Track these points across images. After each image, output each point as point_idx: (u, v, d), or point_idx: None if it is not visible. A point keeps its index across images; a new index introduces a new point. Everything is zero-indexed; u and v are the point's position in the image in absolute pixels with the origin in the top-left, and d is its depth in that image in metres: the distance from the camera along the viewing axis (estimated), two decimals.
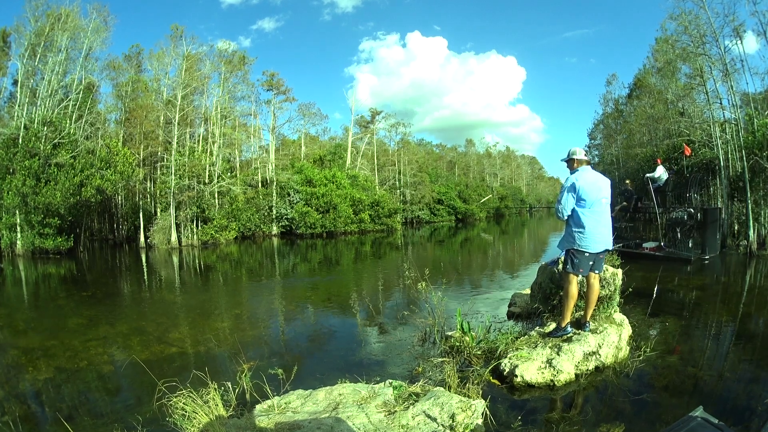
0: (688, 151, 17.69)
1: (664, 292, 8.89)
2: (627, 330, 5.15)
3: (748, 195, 15.96)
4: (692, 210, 12.90)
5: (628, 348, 4.89)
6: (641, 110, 34.30)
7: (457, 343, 4.89)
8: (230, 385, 3.58)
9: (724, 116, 19.73)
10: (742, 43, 18.65)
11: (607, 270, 5.56)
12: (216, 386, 3.42)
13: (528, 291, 6.83)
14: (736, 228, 18.06)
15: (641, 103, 34.74)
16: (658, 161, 15.31)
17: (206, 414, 3.17)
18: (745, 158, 16.36)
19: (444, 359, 4.45)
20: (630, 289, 5.86)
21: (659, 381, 4.34)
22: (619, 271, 5.61)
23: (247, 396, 3.68)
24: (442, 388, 3.60)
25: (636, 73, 38.52)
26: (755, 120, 17.58)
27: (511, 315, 6.84)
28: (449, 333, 5.29)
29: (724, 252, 15.84)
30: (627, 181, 16.14)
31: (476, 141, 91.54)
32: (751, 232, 15.42)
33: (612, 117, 45.56)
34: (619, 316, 5.40)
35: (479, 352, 4.73)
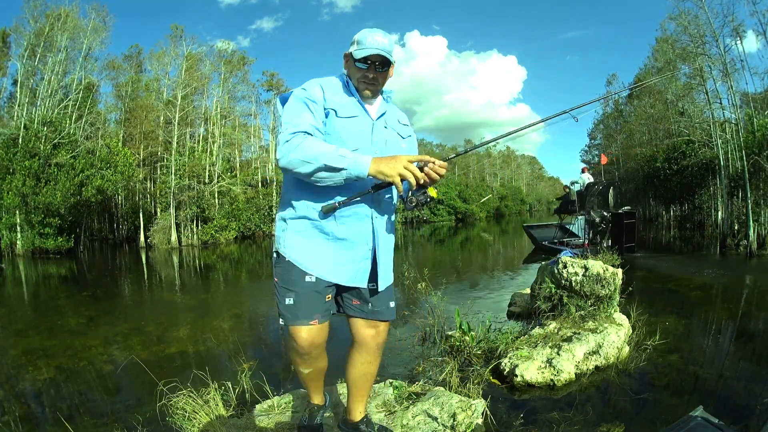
0: (604, 160, 18.11)
1: (666, 290, 8.92)
2: (627, 329, 5.13)
3: (748, 195, 15.98)
4: (605, 213, 13.36)
5: (629, 347, 4.88)
6: (641, 110, 34.47)
7: (457, 343, 4.88)
8: (230, 385, 3.57)
9: (724, 116, 19.75)
10: (741, 43, 18.69)
11: (607, 270, 5.50)
12: (216, 386, 3.41)
13: (528, 290, 6.80)
14: (736, 228, 18.07)
15: (641, 103, 34.92)
16: (584, 169, 15.65)
17: (207, 414, 3.17)
18: (745, 158, 16.37)
19: (444, 359, 4.46)
20: (630, 289, 5.87)
21: (660, 380, 4.33)
22: (619, 271, 5.56)
23: (248, 396, 3.68)
24: (442, 388, 3.58)
25: (636, 73, 38.71)
26: (755, 120, 17.66)
27: (511, 315, 6.85)
28: (449, 333, 5.28)
29: (723, 251, 15.88)
30: (564, 186, 16.56)
31: (476, 141, 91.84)
32: (750, 232, 15.43)
33: (612, 117, 45.96)
34: (619, 316, 5.39)
35: (479, 352, 4.72)
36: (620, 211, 12.78)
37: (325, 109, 2.17)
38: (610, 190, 14.04)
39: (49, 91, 25.53)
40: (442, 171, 2.10)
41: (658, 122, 31.78)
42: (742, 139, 16.96)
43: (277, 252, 2.27)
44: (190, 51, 31.54)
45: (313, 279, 2.19)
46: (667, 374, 4.45)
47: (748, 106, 19.50)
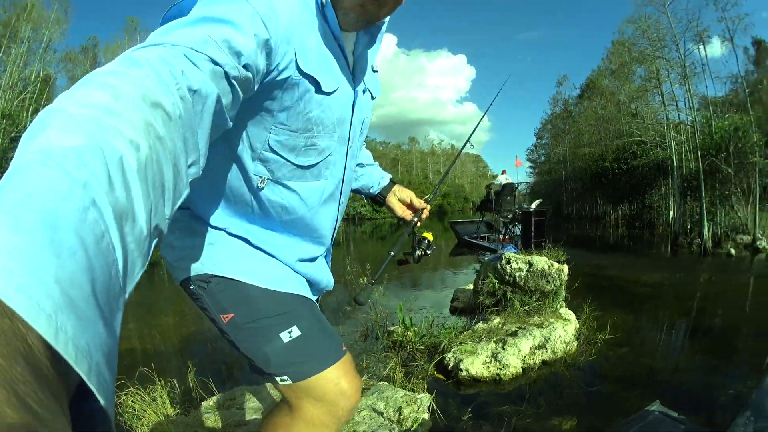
0: (518, 163, 18.97)
1: (614, 287, 9.07)
2: (574, 324, 5.20)
3: (703, 195, 16.51)
4: (516, 211, 14.24)
5: (576, 342, 4.95)
6: (592, 111, 34.55)
7: (400, 338, 4.89)
8: (176, 382, 3.56)
9: (679, 118, 20.22)
10: (705, 47, 19.15)
11: (552, 265, 5.52)
12: (163, 383, 3.40)
13: (471, 286, 6.82)
14: (689, 227, 18.54)
15: (592, 104, 35.00)
16: (504, 171, 16.42)
17: (154, 412, 3.15)
18: (700, 159, 16.89)
19: (387, 354, 4.48)
20: (576, 284, 5.95)
21: (612, 372, 4.40)
22: (565, 267, 5.62)
23: (193, 393, 3.67)
24: (386, 383, 3.61)
25: (589, 74, 39.01)
26: (713, 122, 18.10)
27: (454, 310, 6.84)
28: (391, 328, 5.29)
29: (675, 250, 16.31)
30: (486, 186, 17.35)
31: (421, 139, 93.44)
32: (705, 231, 15.93)
33: (561, 117, 46.11)
34: (565, 311, 5.45)
35: (422, 347, 4.74)
36: (530, 209, 13.41)
37: (298, 68, 0.99)
38: (515, 192, 15.30)
39: (10, 84, 24.93)
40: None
41: (608, 123, 32.06)
42: (698, 141, 17.46)
43: (203, 278, 1.21)
44: None
45: (298, 293, 1.29)
46: (619, 367, 4.52)
47: (706, 109, 19.95)
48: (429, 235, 1.82)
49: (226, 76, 0.73)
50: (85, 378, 0.28)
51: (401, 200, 1.78)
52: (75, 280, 0.31)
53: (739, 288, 9.24)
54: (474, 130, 2.43)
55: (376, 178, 1.75)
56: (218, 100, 0.70)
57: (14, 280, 0.27)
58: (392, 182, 1.79)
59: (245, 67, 0.79)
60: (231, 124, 0.79)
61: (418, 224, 1.77)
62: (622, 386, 4.08)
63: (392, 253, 1.71)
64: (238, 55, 0.77)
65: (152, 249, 0.48)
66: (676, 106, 20.51)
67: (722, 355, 4.96)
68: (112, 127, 0.44)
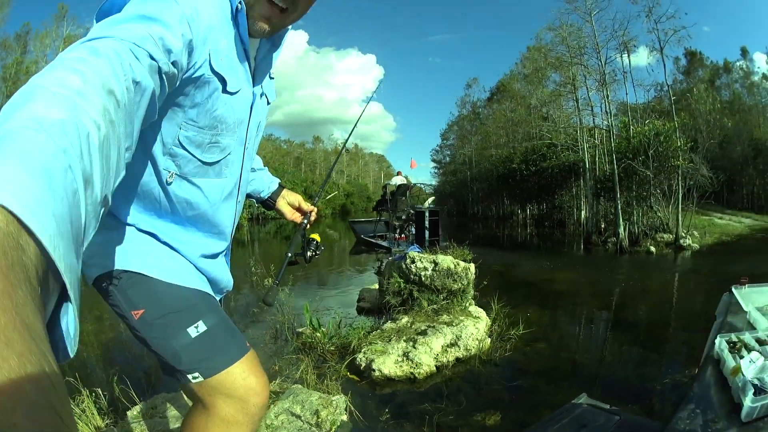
0: (413, 165, 19.59)
1: (526, 284, 9.26)
2: (485, 321, 5.26)
3: (618, 195, 17.33)
4: (410, 211, 14.90)
5: (489, 339, 4.99)
6: (501, 113, 35.05)
7: (309, 340, 4.86)
8: (101, 392, 3.50)
9: (594, 122, 20.94)
10: (629, 56, 19.90)
11: (458, 264, 5.57)
12: (88, 393, 3.34)
13: (376, 286, 6.88)
14: (603, 226, 19.50)
15: (501, 107, 35.46)
16: (399, 172, 16.94)
17: (86, 424, 3.07)
18: (615, 162, 17.64)
19: (299, 356, 4.41)
20: (485, 282, 6.04)
21: (531, 367, 4.46)
22: (472, 265, 5.72)
23: (118, 402, 3.61)
24: (300, 386, 3.59)
25: (501, 78, 39.68)
26: (631, 127, 18.89)
27: (361, 310, 6.85)
28: (300, 329, 5.26)
29: (588, 248, 17.12)
30: (383, 186, 17.82)
31: (325, 138, 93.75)
32: (621, 230, 16.69)
33: (468, 119, 46.71)
34: (475, 309, 5.52)
35: (333, 348, 4.73)
36: (421, 209, 13.87)
37: (211, 67, 1.09)
38: (409, 192, 15.88)
39: None
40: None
41: (517, 125, 32.61)
42: (614, 145, 18.28)
43: (114, 274, 1.25)
44: (69, 33, 29.67)
45: (201, 289, 1.36)
46: (537, 362, 4.61)
47: (624, 115, 20.81)
48: (317, 236, 1.89)
49: (159, 71, 0.81)
50: (68, 287, 0.37)
51: (290, 204, 1.87)
52: (63, 218, 0.40)
53: (664, 283, 9.66)
54: (354, 127, 2.55)
55: (266, 182, 1.82)
56: (153, 93, 0.77)
57: (28, 207, 0.35)
58: (281, 187, 1.88)
59: (173, 64, 0.88)
60: (156, 116, 0.86)
61: (308, 226, 1.85)
62: (544, 380, 4.13)
63: (290, 255, 1.78)
64: (169, 52, 0.86)
65: (101, 215, 0.55)
66: (592, 111, 21.37)
67: (651, 347, 5.10)
68: (82, 108, 0.52)
